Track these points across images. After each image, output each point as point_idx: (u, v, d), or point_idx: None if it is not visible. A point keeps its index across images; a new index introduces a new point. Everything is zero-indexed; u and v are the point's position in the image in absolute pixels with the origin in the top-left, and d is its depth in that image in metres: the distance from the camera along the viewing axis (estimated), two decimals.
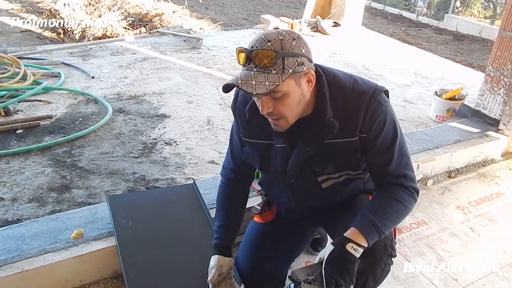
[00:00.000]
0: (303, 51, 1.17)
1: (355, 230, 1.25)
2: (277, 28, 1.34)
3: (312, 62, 1.22)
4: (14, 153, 2.60)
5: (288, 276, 1.37)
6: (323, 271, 1.25)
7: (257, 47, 1.13)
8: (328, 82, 1.27)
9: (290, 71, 1.14)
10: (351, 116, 1.26)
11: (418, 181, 2.64)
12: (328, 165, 1.35)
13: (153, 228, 1.85)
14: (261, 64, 1.13)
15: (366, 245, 1.24)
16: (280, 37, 1.14)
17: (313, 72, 1.21)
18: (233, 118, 1.48)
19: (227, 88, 1.17)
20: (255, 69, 1.14)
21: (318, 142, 1.29)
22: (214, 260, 1.55)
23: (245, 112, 1.34)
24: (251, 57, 1.14)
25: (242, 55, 1.16)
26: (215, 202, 2.01)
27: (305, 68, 1.18)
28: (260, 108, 1.22)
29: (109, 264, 1.77)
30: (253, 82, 1.12)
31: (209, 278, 1.53)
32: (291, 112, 1.22)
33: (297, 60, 1.15)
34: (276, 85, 1.13)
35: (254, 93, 1.13)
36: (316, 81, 1.24)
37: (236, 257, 1.70)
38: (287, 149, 1.34)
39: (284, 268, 1.67)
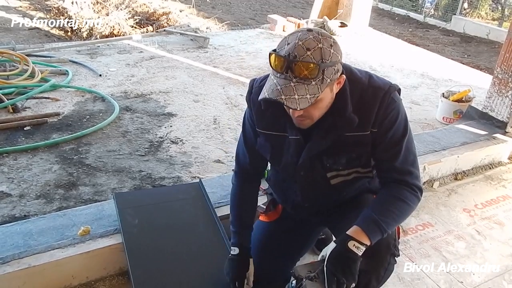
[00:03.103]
0: (339, 57, 1.17)
1: (357, 228, 1.26)
2: (310, 30, 1.26)
3: (342, 63, 1.23)
4: (21, 149, 2.62)
5: (290, 272, 1.37)
6: (324, 268, 1.25)
7: (295, 55, 1.11)
8: (346, 76, 1.27)
9: (328, 81, 1.15)
10: (365, 110, 1.27)
11: (424, 183, 2.63)
12: (338, 160, 1.36)
13: (159, 226, 1.86)
14: (301, 75, 1.11)
15: (368, 243, 1.24)
16: (319, 45, 1.11)
17: (344, 76, 1.22)
18: (247, 109, 1.48)
19: (268, 102, 1.17)
20: (294, 80, 1.12)
21: (334, 135, 1.30)
22: (246, 266, 1.52)
23: (261, 102, 1.33)
24: (290, 67, 1.11)
25: (281, 62, 1.13)
26: (221, 201, 2.04)
27: (339, 74, 1.19)
28: (290, 112, 1.23)
29: (115, 261, 1.78)
30: (296, 97, 1.11)
31: None
32: (320, 114, 1.25)
33: (334, 69, 1.16)
34: (316, 96, 1.13)
35: (298, 109, 1.12)
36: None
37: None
38: (301, 141, 1.34)
39: (289, 267, 1.66)
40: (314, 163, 1.37)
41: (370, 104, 1.27)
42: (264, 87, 1.18)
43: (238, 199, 1.59)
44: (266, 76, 1.35)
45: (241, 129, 1.55)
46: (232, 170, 1.66)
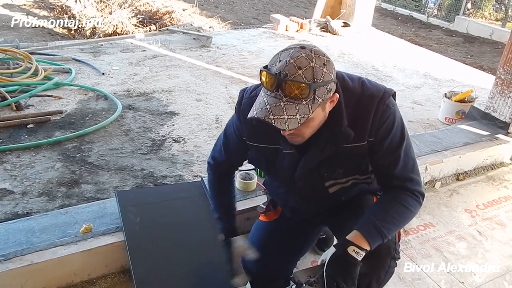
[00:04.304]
0: (332, 76, 1.12)
1: (357, 233, 1.25)
2: (303, 47, 1.21)
3: (336, 81, 1.18)
4: (24, 147, 2.63)
5: (290, 278, 1.37)
6: (324, 273, 1.25)
7: (286, 74, 1.06)
8: (339, 86, 1.24)
9: (320, 100, 1.11)
10: (361, 121, 1.25)
11: (426, 183, 2.63)
12: (336, 170, 1.35)
13: (161, 224, 1.86)
14: (292, 94, 1.07)
15: (368, 248, 1.23)
16: (311, 64, 1.07)
17: (337, 95, 1.18)
18: (235, 117, 1.43)
19: (258, 121, 1.12)
20: (284, 99, 1.08)
21: (330, 148, 1.27)
22: (231, 245, 1.51)
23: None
24: (281, 86, 1.08)
25: (271, 80, 1.09)
26: None
27: (331, 93, 1.15)
28: (281, 131, 1.18)
29: (117, 259, 1.79)
30: (285, 117, 1.08)
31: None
32: (311, 132, 1.22)
33: (327, 88, 1.11)
34: (306, 117, 1.10)
35: (287, 129, 1.09)
36: None
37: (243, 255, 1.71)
38: (295, 155, 1.32)
39: (290, 267, 1.68)
40: (311, 174, 1.35)
41: (365, 114, 1.23)
42: (254, 103, 1.15)
43: (216, 188, 1.61)
44: (257, 86, 1.32)
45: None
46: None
